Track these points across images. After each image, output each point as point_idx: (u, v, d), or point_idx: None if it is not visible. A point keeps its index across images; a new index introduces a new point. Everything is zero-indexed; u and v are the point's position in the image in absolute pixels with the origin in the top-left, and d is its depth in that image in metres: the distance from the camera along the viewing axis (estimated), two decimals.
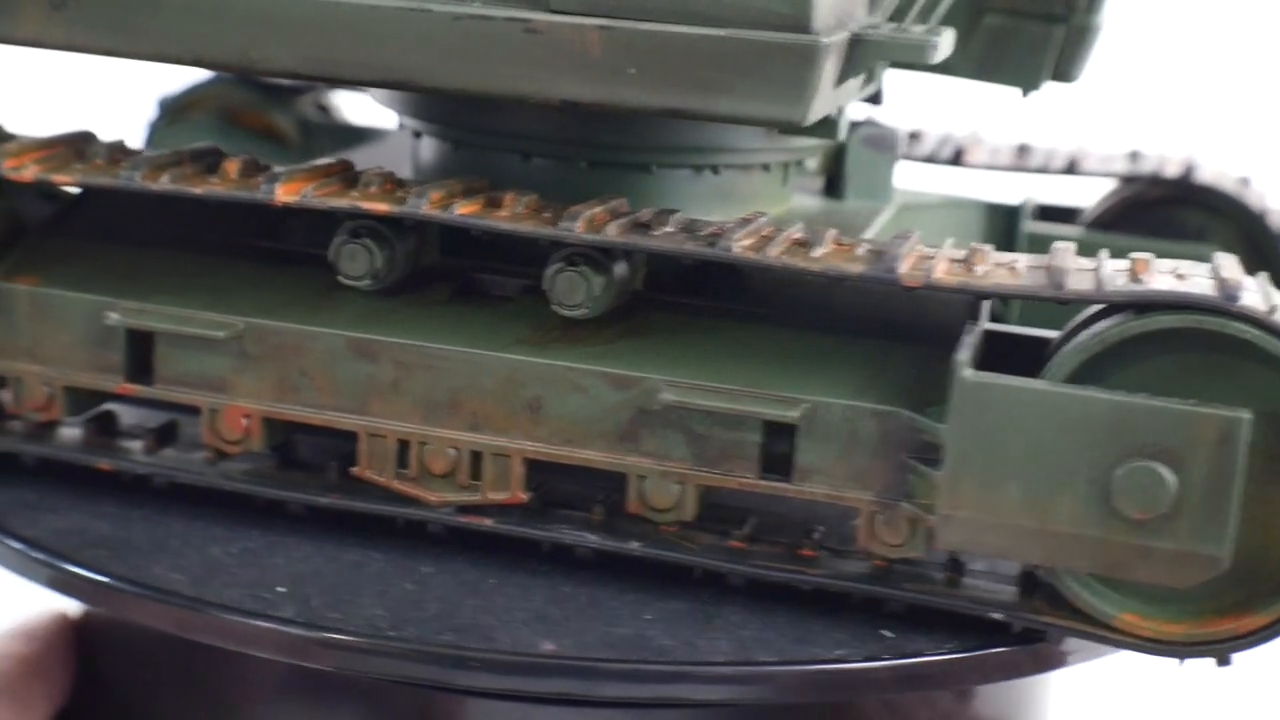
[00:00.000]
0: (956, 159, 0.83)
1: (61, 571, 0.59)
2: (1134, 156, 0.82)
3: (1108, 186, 0.85)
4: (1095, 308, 0.57)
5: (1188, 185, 0.80)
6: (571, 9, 0.57)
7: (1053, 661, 0.59)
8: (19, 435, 0.65)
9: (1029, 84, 0.74)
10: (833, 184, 0.75)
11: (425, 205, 0.58)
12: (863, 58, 0.58)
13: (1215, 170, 0.81)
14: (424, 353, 0.60)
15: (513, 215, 0.59)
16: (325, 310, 0.61)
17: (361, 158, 0.70)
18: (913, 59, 0.58)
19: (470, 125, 0.67)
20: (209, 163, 0.62)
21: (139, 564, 0.59)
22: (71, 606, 0.68)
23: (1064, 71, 0.74)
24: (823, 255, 0.57)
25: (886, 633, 0.58)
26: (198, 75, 0.91)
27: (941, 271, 0.56)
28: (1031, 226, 0.81)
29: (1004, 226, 0.80)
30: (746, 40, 0.55)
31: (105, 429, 0.65)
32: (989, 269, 0.57)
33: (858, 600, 0.59)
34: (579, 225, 0.57)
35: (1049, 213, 0.84)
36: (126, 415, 0.67)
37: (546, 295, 0.59)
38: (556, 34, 0.57)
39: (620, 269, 0.59)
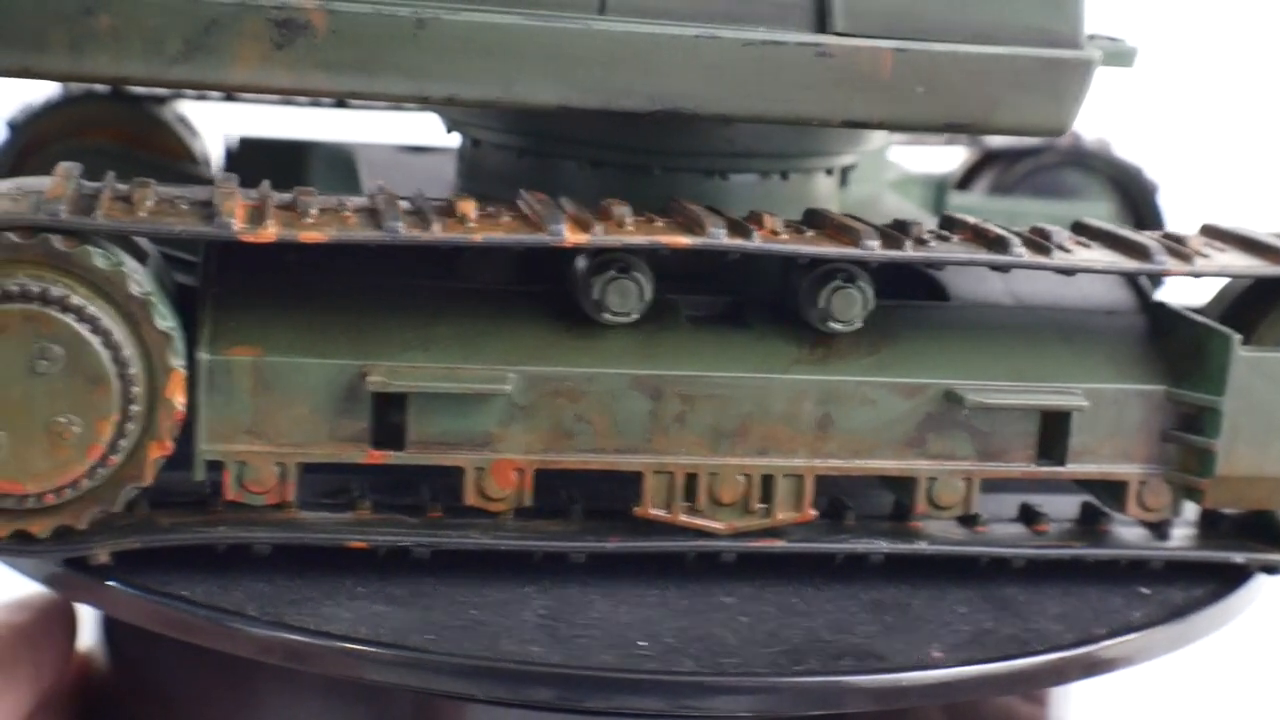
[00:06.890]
0: None
1: (432, 669, 0.54)
2: None
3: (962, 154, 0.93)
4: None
5: (1077, 151, 0.89)
6: (863, 32, 0.58)
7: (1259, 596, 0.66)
8: (247, 522, 0.58)
9: None
10: None
11: (724, 236, 0.58)
12: None
13: (1091, 135, 0.90)
14: (711, 383, 0.59)
15: (797, 238, 0.59)
16: (588, 350, 0.59)
17: (393, 180, 0.67)
18: (1121, 65, 0.63)
19: (544, 134, 0.66)
20: (442, 205, 0.58)
21: (485, 643, 0.55)
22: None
23: None
24: (1084, 254, 0.61)
25: (1144, 589, 0.63)
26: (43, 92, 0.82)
27: (1200, 261, 0.61)
28: (956, 198, 0.87)
29: (936, 197, 0.86)
30: (1033, 57, 0.58)
31: (302, 503, 0.60)
32: (1211, 252, 0.63)
33: (1092, 565, 0.64)
34: (876, 243, 0.58)
35: None
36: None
37: (804, 313, 0.60)
38: (849, 57, 0.58)
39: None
